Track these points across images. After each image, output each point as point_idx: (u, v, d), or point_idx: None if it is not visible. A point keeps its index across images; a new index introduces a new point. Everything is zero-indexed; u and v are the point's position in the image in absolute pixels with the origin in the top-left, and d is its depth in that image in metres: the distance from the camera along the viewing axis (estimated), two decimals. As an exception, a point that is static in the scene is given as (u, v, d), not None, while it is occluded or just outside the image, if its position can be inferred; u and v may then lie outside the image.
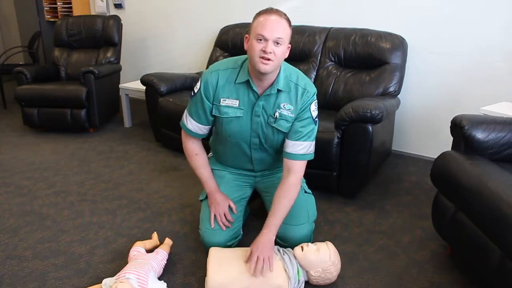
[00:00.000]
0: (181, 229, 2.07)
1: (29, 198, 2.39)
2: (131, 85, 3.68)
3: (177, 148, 3.08)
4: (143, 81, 3.10)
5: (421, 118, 2.96)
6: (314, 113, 1.72)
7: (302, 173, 1.73)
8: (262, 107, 1.70)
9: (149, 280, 1.54)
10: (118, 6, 4.42)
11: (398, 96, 2.70)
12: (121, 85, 3.71)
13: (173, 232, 2.03)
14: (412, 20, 2.83)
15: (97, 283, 1.60)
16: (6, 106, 4.38)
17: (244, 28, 3.32)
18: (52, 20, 5.01)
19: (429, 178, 1.84)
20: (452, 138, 1.87)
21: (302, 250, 1.61)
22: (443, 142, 2.62)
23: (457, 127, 1.77)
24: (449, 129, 1.88)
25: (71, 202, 2.34)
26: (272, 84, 1.66)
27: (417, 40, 2.82)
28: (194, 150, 1.83)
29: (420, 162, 2.94)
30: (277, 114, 1.69)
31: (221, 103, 1.70)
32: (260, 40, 1.52)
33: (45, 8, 5.04)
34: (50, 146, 3.25)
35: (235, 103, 1.70)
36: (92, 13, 4.66)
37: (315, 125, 1.73)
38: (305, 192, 1.94)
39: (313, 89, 1.71)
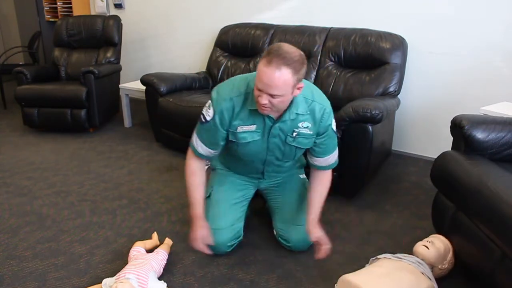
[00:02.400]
0: (181, 229, 2.06)
1: (29, 198, 2.39)
2: (131, 85, 3.68)
3: (177, 148, 3.08)
4: (143, 81, 3.10)
5: (421, 118, 2.96)
6: (335, 126, 1.73)
7: (331, 174, 1.83)
8: (278, 129, 1.66)
9: (149, 280, 1.54)
10: (118, 6, 4.42)
11: (398, 96, 2.70)
12: (121, 85, 3.71)
13: (173, 232, 2.03)
14: (412, 20, 2.83)
15: (97, 283, 1.61)
16: (6, 106, 4.37)
17: (244, 28, 3.32)
18: (52, 20, 5.01)
19: (429, 178, 1.84)
20: (452, 138, 1.87)
21: (428, 248, 1.61)
22: (443, 142, 2.62)
23: (457, 127, 1.77)
24: (449, 129, 1.88)
25: (71, 202, 2.34)
26: (288, 109, 1.59)
27: (417, 40, 2.82)
28: (195, 169, 1.74)
29: (420, 162, 2.94)
30: (295, 133, 1.67)
31: (237, 130, 1.65)
32: (259, 89, 1.47)
33: (45, 8, 5.03)
34: (50, 146, 3.25)
35: (252, 127, 1.65)
36: (92, 13, 4.66)
37: (337, 135, 1.78)
38: None
39: (329, 105, 1.69)
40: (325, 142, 1.72)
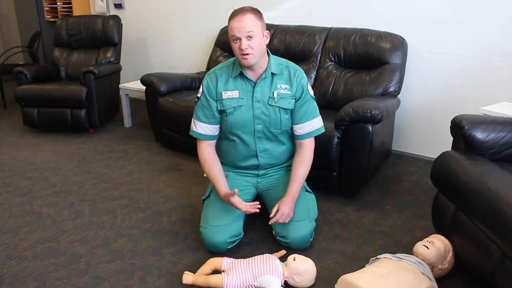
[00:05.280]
0: (181, 229, 2.07)
1: (29, 198, 2.39)
2: (131, 85, 3.68)
3: (177, 148, 3.08)
4: (143, 81, 3.10)
5: (421, 118, 2.96)
6: (311, 91, 1.90)
7: (313, 145, 1.92)
8: (260, 92, 1.84)
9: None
10: (118, 6, 4.42)
11: (398, 96, 2.70)
12: (121, 85, 3.71)
13: (173, 232, 2.03)
14: (412, 20, 2.83)
15: (97, 283, 1.60)
16: (6, 106, 4.38)
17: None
18: (52, 20, 5.01)
19: (429, 178, 1.84)
20: (452, 138, 1.87)
21: (428, 248, 1.61)
22: (443, 142, 2.61)
23: (457, 127, 1.77)
24: (449, 129, 1.88)
25: (71, 202, 2.34)
26: (265, 70, 1.82)
27: (417, 40, 2.82)
28: (205, 156, 1.89)
29: (420, 162, 2.94)
30: (275, 94, 1.84)
31: (223, 97, 1.84)
32: (235, 40, 1.70)
33: (45, 8, 5.04)
34: (50, 146, 3.25)
35: (235, 93, 1.84)
36: (92, 13, 4.66)
37: (315, 101, 1.91)
38: (306, 190, 1.97)
39: (302, 71, 1.90)
40: (306, 107, 1.87)
